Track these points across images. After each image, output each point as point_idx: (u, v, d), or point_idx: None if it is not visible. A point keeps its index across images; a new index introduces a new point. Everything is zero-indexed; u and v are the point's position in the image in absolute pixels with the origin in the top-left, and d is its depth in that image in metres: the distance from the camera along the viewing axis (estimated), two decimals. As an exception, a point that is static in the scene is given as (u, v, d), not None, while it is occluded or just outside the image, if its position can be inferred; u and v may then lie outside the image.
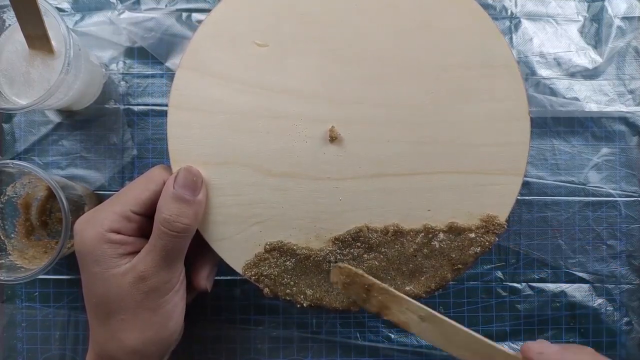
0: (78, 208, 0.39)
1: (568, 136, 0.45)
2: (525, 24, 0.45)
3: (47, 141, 0.44)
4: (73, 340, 0.44)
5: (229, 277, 0.44)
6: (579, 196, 0.45)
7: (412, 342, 0.44)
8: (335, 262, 0.36)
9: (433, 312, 0.31)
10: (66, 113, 0.44)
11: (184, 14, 0.44)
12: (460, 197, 0.36)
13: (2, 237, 0.40)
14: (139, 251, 0.33)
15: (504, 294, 0.44)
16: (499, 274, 0.45)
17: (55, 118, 0.44)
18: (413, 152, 0.36)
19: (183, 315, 0.35)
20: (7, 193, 0.41)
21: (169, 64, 0.44)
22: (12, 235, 0.41)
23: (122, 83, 0.44)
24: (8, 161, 0.37)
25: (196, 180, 0.34)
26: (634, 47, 0.45)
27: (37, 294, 0.44)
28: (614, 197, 0.45)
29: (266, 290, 0.36)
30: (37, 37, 0.36)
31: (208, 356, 0.44)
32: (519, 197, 0.37)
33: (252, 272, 0.36)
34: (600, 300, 0.44)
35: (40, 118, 0.44)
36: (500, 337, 0.44)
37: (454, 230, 0.36)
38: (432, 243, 0.36)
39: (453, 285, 0.44)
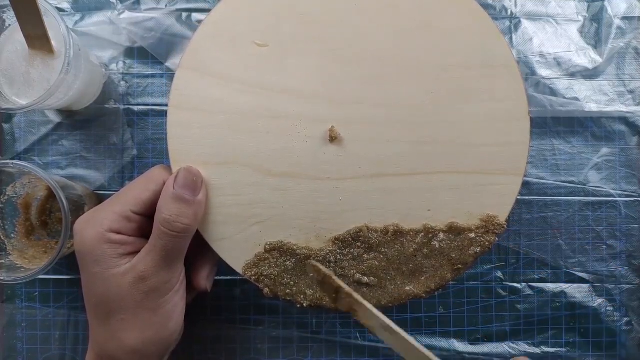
0: (78, 208, 0.39)
1: (568, 136, 0.45)
2: (525, 24, 0.45)
3: (47, 141, 0.44)
4: (73, 340, 0.44)
5: (229, 277, 0.44)
6: (579, 196, 0.45)
7: (412, 342, 0.44)
8: (335, 262, 0.36)
9: (390, 324, 0.32)
10: (66, 113, 0.44)
11: (184, 14, 0.44)
12: (460, 197, 0.36)
13: (2, 237, 0.40)
14: (139, 251, 0.33)
15: (504, 294, 0.44)
16: (499, 274, 0.45)
17: (55, 118, 0.44)
18: (413, 152, 0.36)
19: (183, 315, 0.35)
20: (7, 193, 0.41)
21: (169, 64, 0.44)
22: (12, 235, 0.41)
23: (122, 83, 0.44)
24: (8, 161, 0.37)
25: (196, 180, 0.34)
26: (634, 47, 0.45)
27: (37, 294, 0.44)
28: (614, 197, 0.45)
29: (266, 290, 0.36)
30: (37, 37, 0.36)
31: (208, 356, 0.44)
32: (519, 197, 0.37)
33: (252, 272, 0.36)
34: (600, 300, 0.44)
35: (40, 118, 0.44)
36: (500, 337, 0.44)
37: (454, 230, 0.36)
38: (432, 243, 0.36)
39: (453, 285, 0.44)
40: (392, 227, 0.36)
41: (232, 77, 0.36)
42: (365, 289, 0.37)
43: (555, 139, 0.45)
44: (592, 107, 0.44)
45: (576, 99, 0.44)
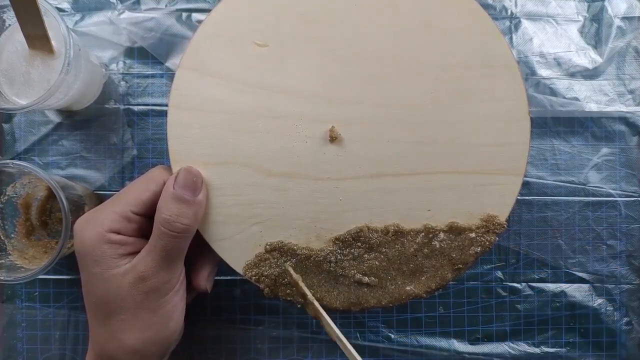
0: (78, 208, 0.39)
1: (568, 136, 0.45)
2: (525, 24, 0.45)
3: (47, 141, 0.44)
4: (73, 340, 0.44)
5: (229, 277, 0.44)
6: (579, 196, 0.45)
7: (412, 342, 0.44)
8: (336, 262, 0.36)
9: (339, 336, 0.34)
10: (66, 113, 0.44)
11: (184, 14, 0.44)
12: (461, 197, 0.36)
13: (2, 237, 0.40)
14: (139, 251, 0.33)
15: (504, 294, 0.44)
16: (499, 274, 0.45)
17: (55, 118, 0.44)
18: (413, 152, 0.36)
19: (183, 316, 0.35)
20: (7, 193, 0.41)
21: (169, 64, 0.44)
22: (12, 235, 0.41)
23: (122, 83, 0.44)
24: (8, 161, 0.37)
25: (196, 180, 0.34)
26: (634, 47, 0.45)
27: (37, 294, 0.44)
28: (614, 197, 0.45)
29: (266, 290, 0.36)
30: (37, 37, 0.36)
31: (208, 356, 0.44)
32: (519, 197, 0.37)
33: (253, 272, 0.36)
34: (600, 300, 0.44)
35: (40, 118, 0.44)
36: (500, 337, 0.44)
37: (454, 230, 0.36)
38: (433, 243, 0.36)
39: (453, 285, 0.44)
40: (392, 227, 0.36)
41: (232, 77, 0.36)
42: (365, 289, 0.37)
43: (555, 139, 0.45)
44: (592, 107, 0.44)
45: (576, 99, 0.44)
